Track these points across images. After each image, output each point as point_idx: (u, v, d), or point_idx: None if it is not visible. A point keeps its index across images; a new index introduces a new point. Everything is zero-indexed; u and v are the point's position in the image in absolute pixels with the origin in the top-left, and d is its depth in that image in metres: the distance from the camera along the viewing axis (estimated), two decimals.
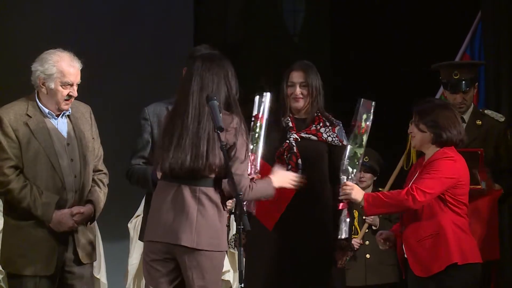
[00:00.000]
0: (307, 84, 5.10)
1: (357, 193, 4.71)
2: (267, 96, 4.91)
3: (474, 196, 5.06)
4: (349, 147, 4.81)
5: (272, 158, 5.02)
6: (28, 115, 4.72)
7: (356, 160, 4.77)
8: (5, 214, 4.79)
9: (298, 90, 5.11)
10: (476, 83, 5.78)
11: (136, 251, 6.59)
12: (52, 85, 4.69)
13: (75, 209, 4.74)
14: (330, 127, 5.14)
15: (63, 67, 4.71)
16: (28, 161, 4.68)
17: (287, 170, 4.97)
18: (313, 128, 5.12)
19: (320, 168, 5.13)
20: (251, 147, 4.79)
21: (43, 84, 4.72)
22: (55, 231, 4.69)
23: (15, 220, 4.71)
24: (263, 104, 4.89)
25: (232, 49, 9.33)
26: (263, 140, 4.86)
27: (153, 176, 4.77)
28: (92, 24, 8.28)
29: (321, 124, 5.13)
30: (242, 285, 4.52)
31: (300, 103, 5.10)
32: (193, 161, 4.27)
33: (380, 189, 6.48)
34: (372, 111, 4.86)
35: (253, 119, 4.89)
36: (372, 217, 6.41)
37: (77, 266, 4.80)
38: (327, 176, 5.13)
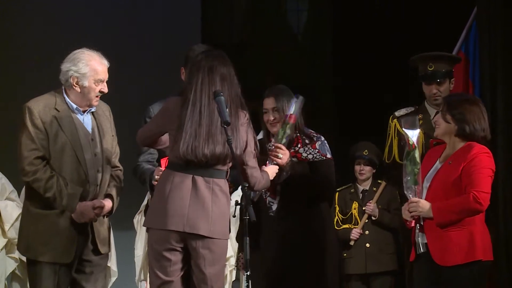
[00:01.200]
0: (278, 109, 5.09)
1: (424, 207, 4.70)
2: (300, 99, 5.01)
3: None
4: (406, 164, 4.76)
5: None
6: (56, 109, 4.82)
7: (414, 176, 4.72)
8: (27, 202, 4.89)
9: (271, 116, 5.12)
10: (453, 79, 5.82)
11: (140, 243, 6.75)
12: (86, 83, 4.82)
13: (97, 203, 4.85)
14: (309, 145, 5.14)
15: (95, 66, 4.84)
16: (55, 153, 4.78)
17: (266, 196, 5.11)
18: (292, 150, 5.10)
19: (303, 187, 5.13)
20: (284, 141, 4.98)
21: (77, 83, 4.83)
22: (75, 221, 4.81)
23: (38, 209, 4.80)
24: (297, 105, 4.99)
25: (238, 48, 9.40)
26: (287, 139, 4.98)
27: (150, 181, 4.94)
28: (100, 24, 8.37)
29: (299, 145, 5.13)
30: (248, 272, 4.64)
31: (276, 128, 5.10)
32: (211, 153, 4.41)
33: (379, 181, 6.67)
34: (416, 124, 4.86)
35: (285, 118, 4.99)
36: (371, 207, 6.53)
37: (95, 256, 4.90)
38: (313, 194, 5.14)
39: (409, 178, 4.72)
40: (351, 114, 8.21)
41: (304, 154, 5.13)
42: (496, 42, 6.77)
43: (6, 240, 6.66)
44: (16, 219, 6.61)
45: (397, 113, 5.83)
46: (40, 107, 4.79)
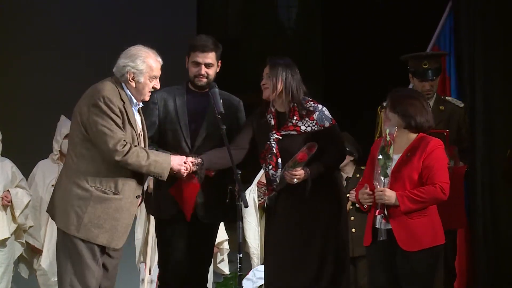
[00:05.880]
0: (270, 76, 5.20)
1: (390, 196, 4.92)
2: (310, 153, 5.13)
3: None
4: (379, 158, 4.96)
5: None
6: (122, 99, 4.89)
7: (386, 169, 4.93)
8: (87, 184, 4.82)
9: (263, 81, 5.25)
10: (440, 73, 6.11)
11: (139, 227, 7.02)
12: (142, 79, 4.90)
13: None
14: (307, 118, 5.20)
15: (151, 63, 4.92)
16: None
17: (268, 170, 5.21)
18: (290, 124, 5.20)
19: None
20: None
21: (133, 78, 4.90)
22: (132, 208, 4.90)
23: (101, 192, 4.82)
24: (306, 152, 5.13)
25: (233, 43, 9.54)
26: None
27: None
28: (97, 19, 8.57)
29: (295, 118, 5.19)
30: (241, 255, 5.08)
31: (265, 93, 5.23)
32: None
33: (362, 167, 6.76)
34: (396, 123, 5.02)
35: (296, 156, 5.11)
36: (354, 195, 6.49)
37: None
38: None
39: (380, 170, 4.97)
40: (340, 107, 8.38)
41: (303, 127, 5.20)
42: (475, 36, 6.98)
43: (16, 225, 6.87)
44: (26, 206, 6.87)
45: (385, 104, 5.94)
46: (115, 96, 4.84)
